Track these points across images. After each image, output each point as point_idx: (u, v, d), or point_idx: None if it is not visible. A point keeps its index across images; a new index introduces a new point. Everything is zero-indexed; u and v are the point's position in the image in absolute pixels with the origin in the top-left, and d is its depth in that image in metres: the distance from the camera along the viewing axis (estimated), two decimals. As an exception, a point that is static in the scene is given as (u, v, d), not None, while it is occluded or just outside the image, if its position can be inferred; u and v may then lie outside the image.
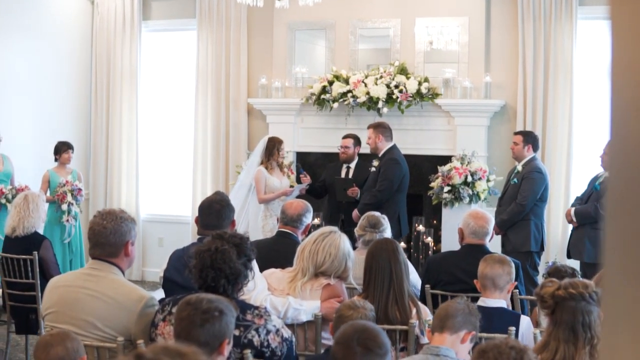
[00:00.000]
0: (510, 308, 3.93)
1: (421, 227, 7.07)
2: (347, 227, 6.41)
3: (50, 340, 2.81)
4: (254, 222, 7.31)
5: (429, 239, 6.99)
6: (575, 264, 6.28)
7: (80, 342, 2.89)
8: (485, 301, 3.67)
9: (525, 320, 3.67)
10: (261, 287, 3.73)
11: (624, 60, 0.88)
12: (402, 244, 6.75)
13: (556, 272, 4.25)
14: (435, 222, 7.64)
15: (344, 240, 3.92)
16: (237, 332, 2.85)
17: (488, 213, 4.68)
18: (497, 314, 3.54)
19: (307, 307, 3.73)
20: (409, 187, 7.17)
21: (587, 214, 6.23)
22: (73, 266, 7.48)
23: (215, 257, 2.92)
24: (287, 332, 3.02)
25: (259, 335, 2.92)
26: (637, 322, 0.85)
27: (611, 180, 0.91)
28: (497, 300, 3.70)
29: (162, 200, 9.32)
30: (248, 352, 2.86)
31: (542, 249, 6.65)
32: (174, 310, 2.91)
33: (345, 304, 3.31)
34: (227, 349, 2.60)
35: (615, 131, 0.89)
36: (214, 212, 3.97)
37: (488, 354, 2.26)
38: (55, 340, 2.81)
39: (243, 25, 8.61)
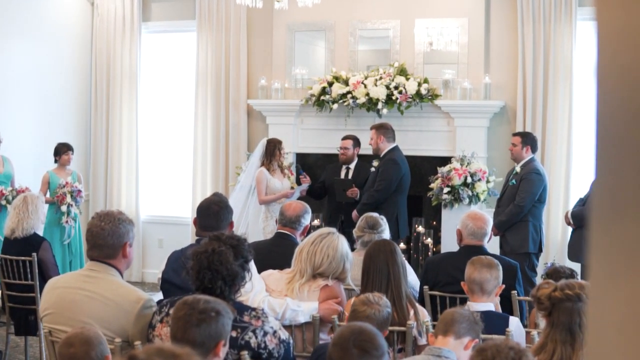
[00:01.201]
0: (499, 310, 3.92)
1: (421, 228, 7.06)
2: (347, 228, 6.41)
3: (75, 353, 2.71)
4: (254, 224, 7.31)
5: (429, 240, 6.98)
6: (576, 266, 6.27)
7: (103, 340, 2.81)
8: (473, 306, 3.64)
9: (514, 322, 3.66)
10: (259, 288, 3.73)
11: (610, 61, 0.88)
12: (402, 245, 6.75)
13: (555, 273, 4.25)
14: (435, 223, 7.64)
15: (342, 242, 3.91)
16: (234, 334, 2.85)
17: (486, 214, 4.68)
18: (486, 317, 3.53)
19: (305, 308, 3.72)
20: (409, 188, 7.16)
21: (582, 217, 6.23)
22: (73, 267, 7.48)
23: (212, 259, 2.92)
24: (284, 334, 3.02)
25: (256, 337, 2.91)
26: (622, 319, 0.85)
27: (597, 180, 0.91)
28: (485, 304, 3.69)
29: (162, 202, 9.32)
30: (245, 354, 2.87)
31: (540, 250, 6.65)
32: (171, 311, 2.90)
33: (360, 299, 3.31)
34: (223, 350, 2.60)
35: (601, 132, 0.89)
36: (212, 213, 3.98)
37: (487, 352, 2.27)
38: (79, 353, 2.71)
39: (243, 26, 8.61)
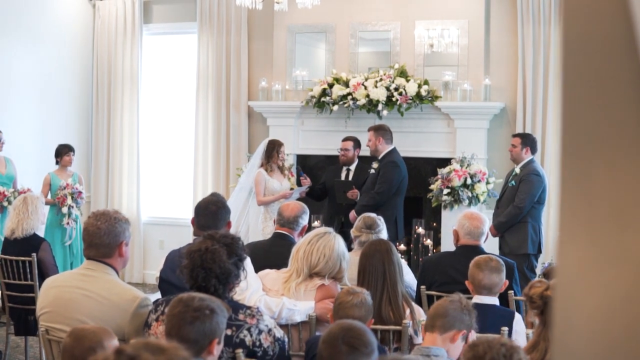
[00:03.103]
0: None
1: (421, 230, 7.07)
2: (346, 228, 6.42)
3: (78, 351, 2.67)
4: (255, 226, 7.32)
5: (429, 242, 6.99)
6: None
7: (102, 333, 2.75)
8: (480, 299, 3.68)
9: (519, 319, 3.68)
10: (255, 287, 3.74)
11: (575, 64, 0.90)
12: (402, 247, 6.76)
13: (551, 272, 4.26)
14: (435, 224, 7.65)
15: (339, 242, 3.91)
16: (229, 332, 2.87)
17: (482, 214, 4.69)
18: (492, 311, 3.56)
19: (301, 307, 3.73)
20: (409, 190, 7.17)
21: None
22: (73, 268, 7.50)
23: (205, 257, 2.93)
24: (279, 332, 3.03)
25: (251, 335, 2.93)
26: (590, 309, 0.86)
27: (564, 176, 0.92)
28: (491, 298, 3.73)
29: (163, 203, 9.35)
30: (240, 352, 2.88)
31: (539, 251, 6.65)
32: (167, 310, 2.92)
33: (343, 291, 3.34)
34: (217, 349, 2.61)
35: (565, 128, 0.90)
36: (210, 213, 4.00)
37: (478, 347, 2.29)
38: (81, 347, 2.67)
39: (243, 28, 8.63)
